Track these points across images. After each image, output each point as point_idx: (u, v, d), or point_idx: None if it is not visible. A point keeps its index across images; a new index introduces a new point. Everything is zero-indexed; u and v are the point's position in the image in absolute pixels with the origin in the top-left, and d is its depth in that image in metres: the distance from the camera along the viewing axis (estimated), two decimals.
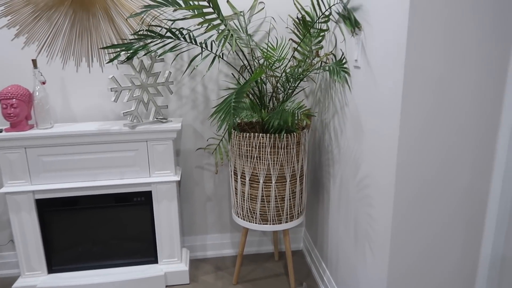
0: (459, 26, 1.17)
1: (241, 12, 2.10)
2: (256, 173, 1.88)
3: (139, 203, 2.09)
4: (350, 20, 1.56)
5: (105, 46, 2.05)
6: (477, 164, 1.30)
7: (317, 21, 1.82)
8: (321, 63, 1.94)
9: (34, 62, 1.89)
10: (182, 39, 1.91)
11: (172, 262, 2.18)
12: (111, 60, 1.81)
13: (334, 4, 1.74)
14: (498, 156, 1.29)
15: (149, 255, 2.18)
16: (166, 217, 2.10)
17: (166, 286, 2.17)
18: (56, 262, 2.12)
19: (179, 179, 2.07)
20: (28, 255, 2.04)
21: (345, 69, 1.67)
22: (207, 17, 2.01)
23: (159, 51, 2.04)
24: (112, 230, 2.13)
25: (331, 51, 1.89)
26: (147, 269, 2.14)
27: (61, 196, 2.01)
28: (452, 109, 1.24)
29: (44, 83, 1.92)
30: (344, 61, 1.70)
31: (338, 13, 1.69)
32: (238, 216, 2.02)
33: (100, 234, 2.12)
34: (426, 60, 1.18)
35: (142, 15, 2.04)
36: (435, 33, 1.17)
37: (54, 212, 2.05)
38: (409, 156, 1.27)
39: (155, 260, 2.19)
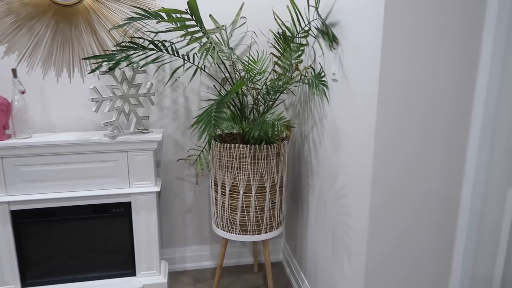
0: (429, 40, 1.24)
1: (223, 26, 2.15)
2: (236, 183, 1.89)
3: (118, 214, 2.07)
4: (328, 35, 1.63)
5: (87, 56, 2.05)
6: (448, 172, 1.36)
7: (297, 36, 1.88)
8: (301, 76, 2.00)
9: (13, 71, 1.88)
10: (164, 51, 1.94)
11: (150, 275, 2.16)
12: (93, 71, 1.82)
13: (313, 20, 1.81)
14: (468, 164, 1.36)
15: (127, 267, 2.15)
16: (145, 228, 2.09)
17: None
18: (30, 276, 2.06)
19: (159, 190, 2.07)
20: (1, 269, 1.98)
21: (324, 82, 1.72)
22: (189, 29, 2.05)
23: (141, 63, 2.06)
24: (90, 242, 2.09)
25: (310, 65, 1.95)
26: (125, 282, 2.11)
27: (37, 207, 1.97)
28: (424, 120, 1.30)
29: (23, 92, 1.91)
30: (322, 74, 1.76)
31: (317, 29, 1.76)
32: (218, 227, 2.03)
33: (77, 246, 2.08)
34: (399, 73, 1.25)
35: (125, 27, 2.06)
36: (407, 47, 1.23)
37: (29, 224, 2.00)
38: (384, 166, 1.32)
39: (133, 273, 2.16)
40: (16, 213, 1.96)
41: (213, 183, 2.01)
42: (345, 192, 1.54)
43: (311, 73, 1.94)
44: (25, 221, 1.99)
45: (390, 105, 1.27)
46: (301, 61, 2.00)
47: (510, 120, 1.31)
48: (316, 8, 1.73)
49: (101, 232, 2.09)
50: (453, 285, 1.46)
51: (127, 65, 1.90)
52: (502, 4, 1.22)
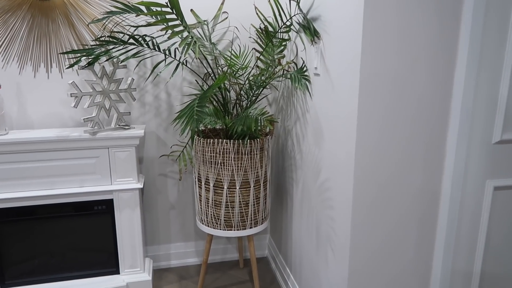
0: (409, 34, 1.25)
1: (204, 21, 2.12)
2: (220, 179, 1.89)
3: (100, 211, 2.04)
4: (310, 30, 1.63)
5: (65, 51, 2.00)
6: (428, 164, 1.38)
7: (279, 31, 1.87)
8: (283, 71, 1.99)
9: None
10: (145, 45, 1.91)
11: (134, 273, 2.13)
12: (71, 65, 1.78)
13: (295, 15, 1.81)
14: (447, 156, 1.38)
15: (110, 265, 2.12)
16: (128, 226, 2.06)
17: None
18: (9, 276, 2.01)
19: (141, 186, 2.04)
20: None
21: (306, 77, 1.72)
22: (170, 23, 2.02)
23: (122, 57, 2.03)
24: (72, 241, 2.06)
25: (293, 60, 1.95)
26: (108, 280, 2.08)
27: (16, 206, 1.92)
28: (404, 112, 1.31)
29: None
30: (305, 69, 1.76)
31: (299, 23, 1.76)
32: (202, 223, 2.02)
33: (58, 245, 2.04)
34: (379, 66, 1.26)
35: (104, 21, 2.02)
36: (387, 41, 1.24)
37: (8, 223, 1.95)
38: (365, 158, 1.33)
39: (116, 271, 2.13)
40: None
41: (196, 179, 2.00)
42: (328, 186, 1.55)
43: (294, 68, 1.94)
44: (4, 220, 1.94)
45: (371, 98, 1.28)
46: (283, 56, 1.99)
47: (487, 113, 1.34)
48: (298, 3, 1.73)
49: (83, 230, 2.05)
50: (435, 277, 1.48)
51: (107, 60, 1.87)
52: None
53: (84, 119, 1.90)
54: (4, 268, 2.00)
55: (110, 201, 2.03)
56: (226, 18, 2.17)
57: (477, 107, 1.32)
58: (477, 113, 1.33)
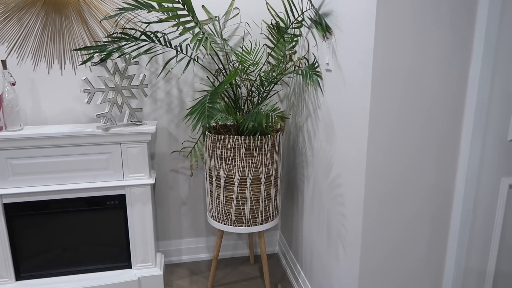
0: (422, 29, 1.23)
1: (216, 17, 2.12)
2: (231, 175, 1.89)
3: (112, 207, 2.06)
4: (322, 26, 1.61)
5: (78, 47, 2.02)
6: (442, 162, 1.36)
7: (291, 27, 1.86)
8: (295, 67, 1.98)
9: (3, 62, 1.85)
10: (156, 42, 1.92)
11: (146, 267, 2.16)
12: (84, 62, 1.80)
13: (306, 10, 1.80)
14: (461, 154, 1.36)
15: (122, 260, 2.15)
16: (140, 221, 2.08)
17: None
18: (24, 269, 2.05)
19: (153, 182, 2.06)
20: None
21: (318, 73, 1.71)
22: (181, 19, 2.03)
23: (134, 54, 2.04)
24: (84, 235, 2.08)
25: (304, 56, 1.94)
26: (120, 274, 2.11)
27: (30, 200, 1.96)
28: (417, 109, 1.30)
29: (14, 84, 1.88)
30: (316, 65, 1.75)
31: (310, 19, 1.75)
32: (213, 219, 2.03)
33: (71, 239, 2.08)
34: (392, 62, 1.24)
35: (116, 17, 2.03)
36: (400, 36, 1.22)
37: (23, 217, 1.99)
38: (378, 155, 1.31)
39: (128, 265, 2.15)
40: (9, 206, 1.95)
41: (208, 175, 2.00)
42: (339, 182, 1.54)
43: (305, 64, 1.93)
44: (18, 214, 1.98)
45: (383, 94, 1.26)
46: (295, 52, 1.98)
47: (502, 110, 1.31)
48: None
49: (96, 225, 2.08)
50: (447, 276, 1.47)
51: (119, 56, 1.88)
52: None
53: (97, 115, 1.92)
54: (19, 261, 2.04)
55: (123, 196, 2.05)
56: (238, 14, 2.17)
57: (492, 103, 1.30)
58: (492, 109, 1.30)
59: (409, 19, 1.21)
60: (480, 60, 1.26)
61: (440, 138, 1.33)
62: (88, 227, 2.08)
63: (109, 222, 2.09)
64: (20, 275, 2.05)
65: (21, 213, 1.98)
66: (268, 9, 2.00)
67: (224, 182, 1.91)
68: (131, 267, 2.15)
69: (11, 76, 1.87)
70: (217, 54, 1.98)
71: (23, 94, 2.04)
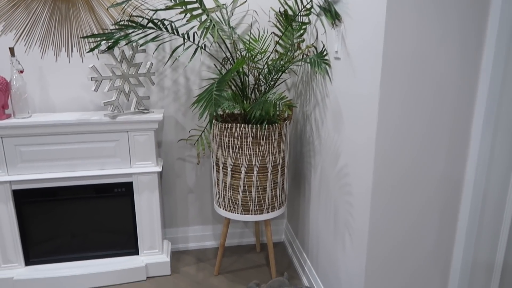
0: (433, 16, 1.20)
1: (223, 5, 2.10)
2: (238, 163, 1.89)
3: (119, 194, 2.07)
4: (331, 13, 1.59)
5: (85, 35, 2.02)
6: (452, 152, 1.34)
7: (299, 14, 1.84)
8: (303, 55, 1.96)
9: (11, 50, 1.85)
10: (164, 29, 1.90)
11: (153, 254, 2.18)
12: (91, 50, 1.79)
13: None
14: (472, 143, 1.34)
15: (130, 246, 2.17)
16: (147, 208, 2.10)
17: (147, 277, 2.17)
18: (33, 254, 2.08)
19: (160, 170, 2.07)
20: (4, 247, 2.00)
21: (326, 61, 1.69)
22: (188, 6, 2.01)
23: (141, 41, 2.03)
24: (92, 222, 2.11)
25: (313, 44, 1.92)
26: (127, 261, 2.13)
27: (39, 187, 1.98)
28: (428, 97, 1.28)
29: (22, 71, 1.88)
30: (325, 53, 1.73)
31: (319, 6, 1.72)
32: (220, 207, 2.03)
33: (79, 225, 2.10)
34: (403, 49, 1.22)
35: (123, 5, 2.02)
36: (412, 22, 1.20)
37: (32, 203, 2.01)
38: (387, 144, 1.30)
39: (136, 252, 2.18)
40: (18, 192, 1.97)
41: (214, 163, 2.01)
42: (347, 171, 1.53)
43: (313, 52, 1.91)
44: (28, 200, 2.00)
45: (393, 82, 1.25)
46: (303, 40, 1.96)
47: None
48: None
49: (104, 212, 2.10)
50: (455, 267, 1.46)
51: (126, 44, 1.87)
52: None
53: (104, 103, 1.93)
54: (29, 246, 2.07)
55: (130, 184, 2.06)
56: (245, 1, 2.14)
57: (505, 91, 1.27)
58: (505, 97, 1.28)
59: (421, 5, 1.19)
60: (494, 46, 1.23)
61: (450, 127, 1.32)
62: (96, 214, 2.10)
63: (116, 209, 2.11)
64: (29, 260, 2.08)
65: (30, 200, 2.00)
66: None
67: (231, 170, 1.91)
68: (138, 254, 2.18)
69: (19, 64, 1.87)
70: (224, 42, 1.97)
71: (31, 81, 2.05)
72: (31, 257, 2.08)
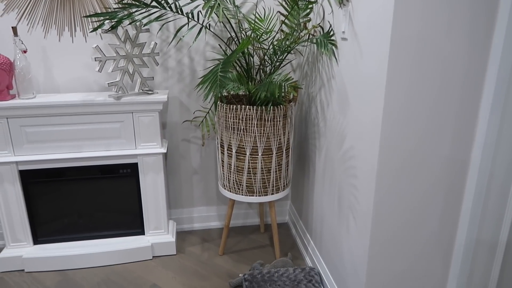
0: None
1: None
2: (243, 145, 1.89)
3: (125, 175, 2.09)
4: None
5: (88, 14, 1.99)
6: (458, 133, 1.33)
7: None
8: (309, 35, 1.93)
9: (14, 29, 1.83)
10: (167, 8, 1.87)
11: (159, 234, 2.21)
12: (95, 29, 1.77)
13: None
14: (479, 125, 1.33)
15: (136, 226, 2.20)
16: (152, 189, 2.11)
17: (153, 256, 2.20)
18: (41, 234, 2.12)
19: (165, 151, 2.07)
20: (13, 226, 2.04)
21: (333, 41, 1.66)
22: None
23: (144, 21, 2.00)
24: (98, 202, 2.13)
25: (319, 24, 1.88)
26: (134, 240, 2.16)
27: (45, 168, 1.99)
28: (435, 79, 1.26)
29: (25, 51, 1.87)
30: (331, 33, 1.69)
31: None
32: (225, 188, 2.04)
33: (86, 205, 2.12)
34: (412, 30, 1.19)
35: None
36: (421, 5, 1.17)
37: (38, 184, 2.03)
38: (393, 125, 1.29)
39: (141, 232, 2.21)
40: (24, 173, 1.99)
41: (219, 145, 2.01)
42: (352, 154, 1.53)
43: (320, 32, 1.88)
44: (34, 180, 2.02)
45: (401, 64, 1.22)
46: (309, 20, 1.92)
47: None
48: None
49: (110, 192, 2.12)
50: (458, 247, 1.47)
51: (130, 23, 1.85)
52: None
53: (108, 83, 1.91)
54: (37, 226, 2.10)
55: (135, 165, 2.07)
56: None
57: None
58: None
59: None
60: (505, 27, 1.20)
61: (457, 110, 1.30)
62: (102, 195, 2.12)
63: (122, 190, 2.12)
64: (37, 239, 2.12)
65: (37, 180, 2.02)
66: None
67: (236, 152, 1.91)
68: (144, 234, 2.20)
69: (22, 43, 1.86)
70: (229, 22, 1.94)
71: (35, 62, 2.04)
72: (39, 236, 2.12)
